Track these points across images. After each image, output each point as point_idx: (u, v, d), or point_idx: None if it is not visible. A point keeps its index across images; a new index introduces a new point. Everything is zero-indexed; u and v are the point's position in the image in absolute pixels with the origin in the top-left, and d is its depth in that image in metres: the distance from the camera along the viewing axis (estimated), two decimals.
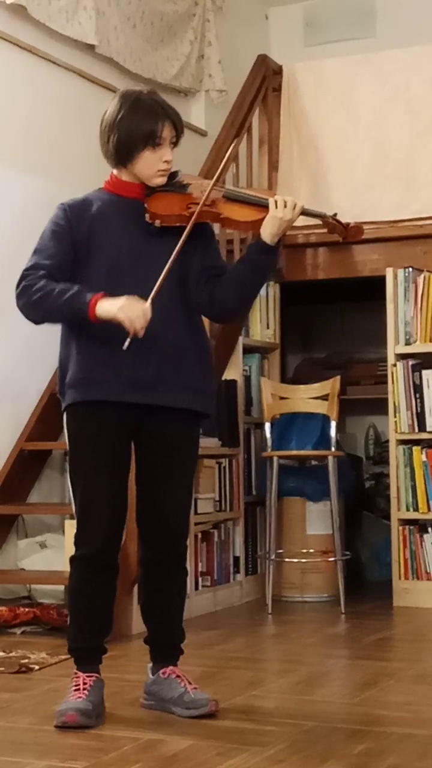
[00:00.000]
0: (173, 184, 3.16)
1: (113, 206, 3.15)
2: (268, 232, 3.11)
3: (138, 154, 3.10)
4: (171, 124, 3.12)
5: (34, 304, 3.07)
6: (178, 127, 3.14)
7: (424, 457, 5.25)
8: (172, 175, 3.18)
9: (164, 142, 3.11)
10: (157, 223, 3.12)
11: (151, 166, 3.12)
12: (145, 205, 3.13)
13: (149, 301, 2.99)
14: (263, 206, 3.14)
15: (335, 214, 3.28)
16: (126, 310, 2.96)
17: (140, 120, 3.08)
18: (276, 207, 3.10)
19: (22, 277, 3.11)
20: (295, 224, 3.19)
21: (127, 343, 2.96)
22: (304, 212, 3.20)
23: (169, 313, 3.10)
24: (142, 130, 3.08)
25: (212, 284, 3.17)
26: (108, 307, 2.97)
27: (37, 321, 3.15)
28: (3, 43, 5.15)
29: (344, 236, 3.28)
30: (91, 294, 3.01)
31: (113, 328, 3.00)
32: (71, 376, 3.12)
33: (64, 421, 3.18)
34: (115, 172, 3.19)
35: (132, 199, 3.15)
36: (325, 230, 3.33)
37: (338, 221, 3.27)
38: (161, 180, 3.15)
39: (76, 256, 3.11)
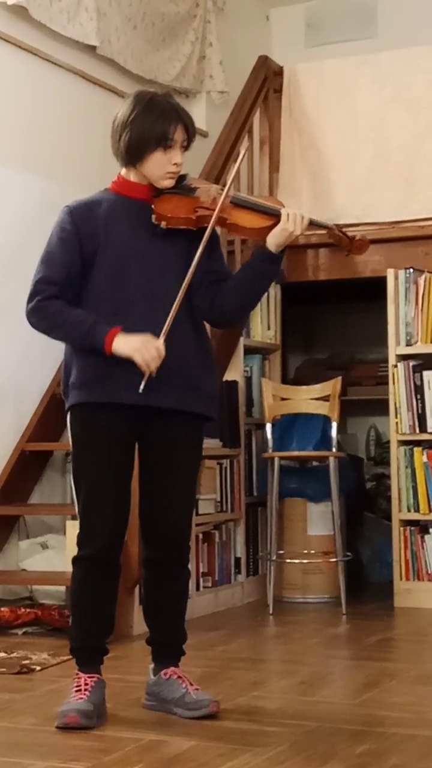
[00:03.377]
0: (181, 186, 3.17)
1: (120, 206, 3.15)
2: (274, 242, 3.12)
3: (148, 155, 3.11)
4: (183, 128, 3.12)
5: (49, 328, 3.12)
6: (190, 130, 3.14)
7: (425, 458, 5.25)
8: (181, 178, 3.18)
9: (175, 144, 3.11)
10: (163, 224, 3.12)
11: (160, 167, 3.12)
12: (152, 206, 3.13)
13: (162, 338, 3.02)
14: (269, 214, 3.15)
15: (342, 227, 3.28)
16: (142, 352, 3.00)
17: (153, 121, 3.08)
18: (288, 220, 3.11)
19: (34, 292, 3.10)
20: None
21: (143, 386, 3.01)
22: (312, 223, 3.21)
23: (174, 316, 3.11)
24: (154, 131, 3.08)
25: (214, 289, 3.18)
26: (124, 347, 3.01)
27: (42, 332, 3.17)
28: (4, 44, 5.15)
29: (349, 249, 3.28)
30: (107, 329, 3.03)
31: (128, 328, 3.05)
32: (75, 377, 3.12)
33: (67, 421, 3.18)
34: (123, 172, 3.20)
35: (139, 200, 3.15)
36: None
37: (344, 234, 3.27)
38: (169, 182, 3.15)
39: (83, 258, 3.11)
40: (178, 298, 3.05)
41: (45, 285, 3.09)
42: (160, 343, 3.01)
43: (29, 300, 3.12)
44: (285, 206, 3.18)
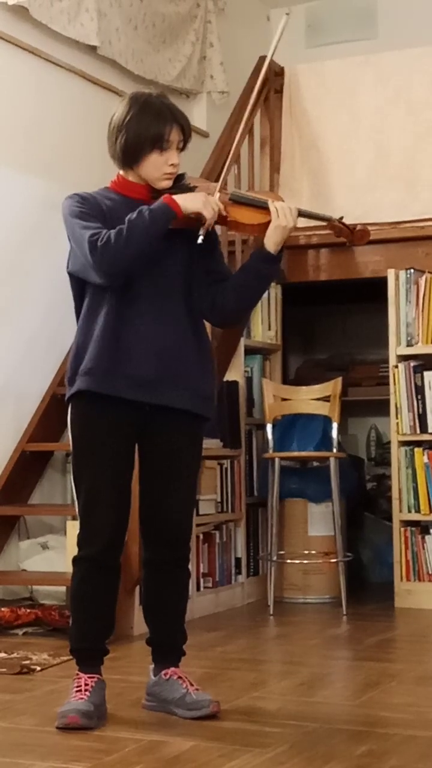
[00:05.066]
0: (180, 186, 3.17)
1: (122, 205, 3.15)
2: (272, 242, 3.13)
3: (145, 156, 3.11)
4: (179, 128, 3.12)
5: (125, 244, 2.99)
6: (186, 131, 3.15)
7: (425, 459, 5.25)
8: (179, 178, 3.18)
9: (171, 145, 3.11)
10: None
11: (157, 168, 3.12)
12: None
13: (217, 194, 3.12)
14: (268, 209, 3.15)
15: (341, 218, 3.28)
16: (208, 206, 3.07)
17: (148, 122, 3.08)
18: (278, 216, 3.11)
19: (93, 243, 3.00)
20: (298, 226, 3.19)
21: (201, 238, 3.08)
22: (312, 215, 3.21)
23: (174, 315, 3.11)
24: (150, 133, 3.08)
25: (214, 289, 3.18)
26: (192, 204, 3.06)
27: (126, 268, 3.04)
28: (5, 44, 5.15)
29: (350, 239, 3.28)
30: (160, 200, 3.06)
31: (126, 333, 3.05)
32: (86, 363, 3.10)
33: (68, 416, 3.17)
34: (121, 172, 3.20)
35: (139, 201, 3.15)
36: (327, 231, 3.33)
37: (344, 224, 3.27)
38: (167, 183, 3.15)
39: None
40: (224, 171, 3.17)
41: (97, 234, 3.02)
42: (218, 199, 3.11)
43: (92, 253, 3.00)
44: (284, 201, 3.18)
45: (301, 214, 3.18)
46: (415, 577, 5.25)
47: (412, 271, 5.38)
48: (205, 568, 5.16)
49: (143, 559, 3.27)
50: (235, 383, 5.51)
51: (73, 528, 4.19)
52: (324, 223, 3.31)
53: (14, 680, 3.67)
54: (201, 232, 3.07)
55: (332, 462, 5.23)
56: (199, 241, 3.07)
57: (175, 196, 3.05)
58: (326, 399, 5.34)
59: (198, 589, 5.04)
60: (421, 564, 5.24)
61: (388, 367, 5.43)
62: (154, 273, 3.11)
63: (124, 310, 3.09)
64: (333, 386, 5.34)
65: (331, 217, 3.27)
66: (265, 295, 5.85)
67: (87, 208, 3.11)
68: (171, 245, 3.12)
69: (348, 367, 6.89)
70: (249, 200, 3.21)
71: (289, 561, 5.42)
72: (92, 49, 5.74)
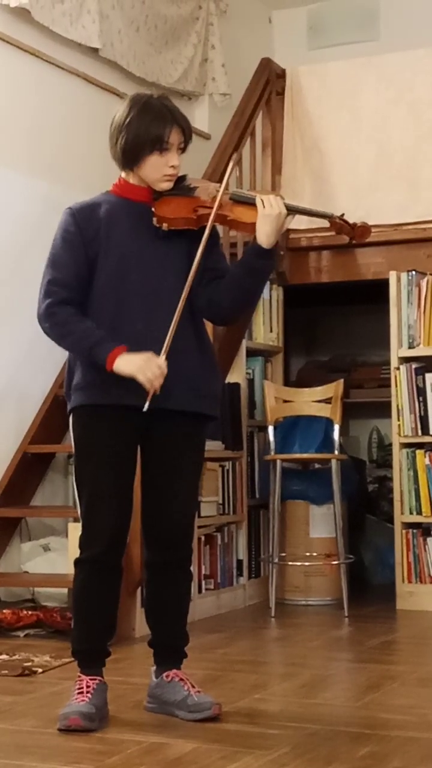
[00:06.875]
0: (180, 187, 3.16)
1: (121, 209, 3.15)
2: (263, 233, 3.10)
3: (145, 158, 3.10)
4: (179, 130, 3.11)
5: (56, 337, 3.13)
6: (187, 132, 3.14)
7: (427, 461, 5.25)
8: (180, 179, 3.17)
9: (171, 147, 3.11)
10: (164, 226, 3.12)
11: (157, 170, 3.12)
12: (152, 209, 3.13)
13: (163, 356, 3.01)
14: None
15: (342, 215, 3.28)
16: (144, 371, 2.99)
17: (148, 124, 3.08)
18: (264, 206, 3.10)
19: (45, 295, 3.10)
20: (300, 227, 3.19)
21: (147, 405, 2.99)
22: (313, 213, 3.20)
23: (172, 315, 3.11)
24: (149, 134, 3.08)
25: (211, 287, 3.17)
26: (126, 367, 3.00)
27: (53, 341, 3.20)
28: (7, 46, 5.16)
29: (351, 236, 3.28)
30: (111, 347, 3.02)
31: (122, 336, 3.05)
32: (78, 379, 3.13)
33: (70, 423, 3.18)
34: (123, 174, 3.20)
35: (140, 203, 3.15)
36: (329, 233, 3.33)
37: (345, 221, 3.27)
38: (167, 185, 3.15)
39: (87, 259, 3.11)
40: (177, 311, 3.04)
41: (56, 287, 3.08)
42: (162, 360, 3.01)
43: (41, 303, 3.11)
44: (284, 199, 3.16)
45: (302, 212, 3.17)
46: (416, 579, 5.25)
47: (413, 273, 5.38)
48: (206, 569, 5.16)
49: (145, 560, 3.27)
50: (236, 385, 5.51)
51: (75, 530, 4.20)
52: (326, 224, 3.30)
53: (16, 682, 3.67)
54: (147, 401, 2.99)
55: (334, 464, 5.23)
56: (144, 409, 3.00)
57: (119, 357, 3.00)
58: (328, 401, 5.34)
59: (199, 590, 5.04)
60: (422, 566, 5.24)
61: (389, 369, 5.43)
62: (152, 276, 3.11)
63: (119, 313, 3.08)
64: (335, 388, 5.33)
65: (332, 215, 3.27)
66: (267, 296, 5.85)
67: (74, 234, 3.10)
68: (171, 247, 3.12)
69: (350, 368, 6.89)
70: (246, 198, 3.20)
71: (290, 563, 5.42)
72: (94, 51, 5.75)
